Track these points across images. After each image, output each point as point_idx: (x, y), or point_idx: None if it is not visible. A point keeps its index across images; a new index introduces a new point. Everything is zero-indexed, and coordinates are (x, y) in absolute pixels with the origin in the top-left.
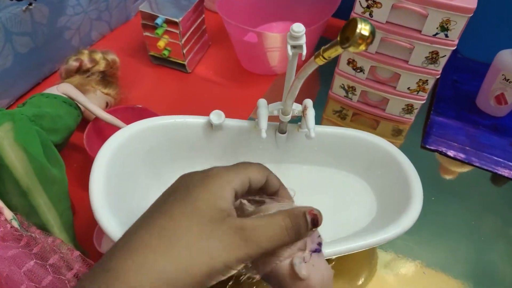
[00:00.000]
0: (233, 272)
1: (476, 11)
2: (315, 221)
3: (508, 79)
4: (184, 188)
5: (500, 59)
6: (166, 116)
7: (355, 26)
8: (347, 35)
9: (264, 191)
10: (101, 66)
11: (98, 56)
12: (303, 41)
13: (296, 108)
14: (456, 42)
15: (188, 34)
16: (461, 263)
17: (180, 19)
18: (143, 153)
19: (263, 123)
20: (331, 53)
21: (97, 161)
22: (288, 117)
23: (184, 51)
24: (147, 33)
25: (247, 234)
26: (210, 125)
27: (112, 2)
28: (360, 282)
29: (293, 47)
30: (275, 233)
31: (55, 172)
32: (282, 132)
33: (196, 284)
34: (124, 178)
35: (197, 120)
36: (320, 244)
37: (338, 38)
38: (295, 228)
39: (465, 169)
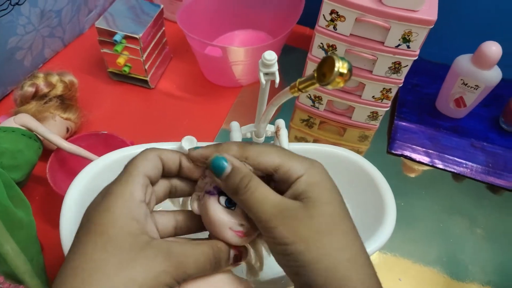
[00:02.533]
0: None
1: (440, 16)
2: (238, 257)
3: (467, 83)
4: (86, 218)
5: (458, 64)
6: (137, 146)
7: (333, 65)
8: (323, 72)
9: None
10: (59, 89)
11: (54, 79)
12: (275, 68)
13: (269, 129)
14: (418, 52)
15: (149, 50)
16: (434, 264)
17: (141, 35)
18: None
19: None
20: (307, 87)
21: (66, 201)
22: (262, 139)
23: (146, 67)
24: (105, 50)
25: (175, 259)
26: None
27: (64, 17)
28: None
29: (266, 74)
30: (199, 262)
31: (21, 215)
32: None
33: None
34: None
35: (169, 147)
36: (215, 188)
37: (315, 74)
38: (217, 261)
39: (430, 170)
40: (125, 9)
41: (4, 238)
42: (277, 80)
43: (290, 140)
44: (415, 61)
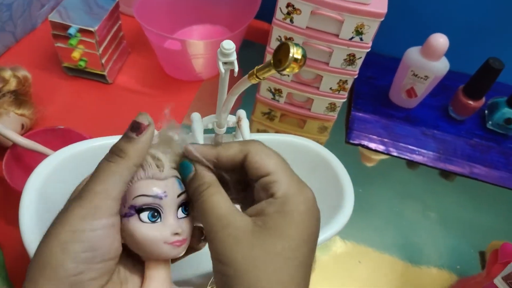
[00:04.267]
0: (95, 228)
1: (387, 11)
2: (136, 124)
3: (417, 74)
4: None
5: (408, 56)
6: (95, 139)
7: (288, 51)
8: (279, 58)
9: None
10: (12, 85)
11: (7, 74)
12: (234, 57)
13: (230, 119)
14: (370, 44)
15: (105, 43)
16: (390, 246)
17: (96, 28)
18: (73, 180)
19: (200, 137)
20: (265, 74)
21: (24, 195)
22: (224, 130)
23: (103, 61)
24: (59, 44)
25: (81, 194)
26: None
27: (15, 11)
28: None
29: (224, 63)
30: (101, 173)
31: None
32: (219, 144)
33: None
34: (56, 210)
35: None
36: (131, 207)
37: (271, 61)
38: (113, 150)
39: (386, 159)
40: (79, 2)
41: None
42: (236, 69)
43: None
44: (369, 54)
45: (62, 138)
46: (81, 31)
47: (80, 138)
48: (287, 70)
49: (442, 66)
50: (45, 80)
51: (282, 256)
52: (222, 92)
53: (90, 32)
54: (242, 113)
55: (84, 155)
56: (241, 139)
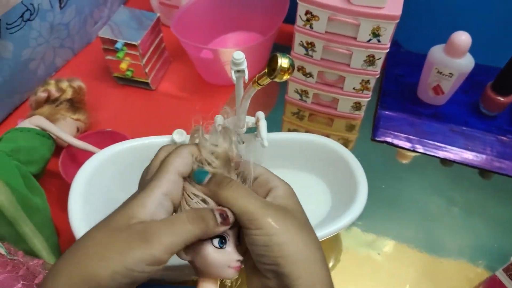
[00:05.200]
0: (146, 272)
1: (414, 8)
2: (225, 217)
3: (441, 72)
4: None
5: (432, 55)
6: (134, 139)
7: (276, 61)
8: (272, 67)
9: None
10: (68, 94)
11: (64, 84)
12: (244, 66)
13: (250, 120)
14: (388, 45)
15: (148, 54)
16: (413, 240)
17: (139, 41)
18: (116, 174)
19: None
20: (263, 81)
21: (73, 186)
22: (244, 130)
23: (146, 71)
24: (109, 57)
25: (147, 235)
26: (174, 143)
27: (72, 29)
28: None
29: (237, 71)
30: (176, 227)
31: (37, 201)
32: (240, 142)
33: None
34: (100, 200)
35: (162, 140)
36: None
37: (266, 70)
38: (199, 219)
39: (414, 156)
40: (126, 18)
41: (23, 220)
42: (246, 76)
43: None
44: (399, 51)
45: (109, 138)
46: (126, 45)
47: (123, 139)
48: (277, 78)
49: (466, 62)
50: (98, 88)
51: (303, 222)
52: (238, 96)
53: (134, 45)
54: (260, 114)
55: (125, 153)
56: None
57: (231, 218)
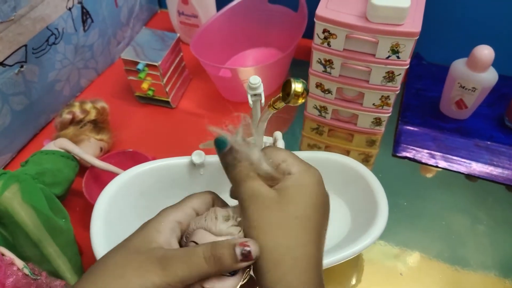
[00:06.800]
0: None
1: (435, 20)
2: (246, 253)
3: (464, 86)
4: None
5: (455, 69)
6: (154, 161)
7: (290, 86)
8: (287, 92)
9: None
10: (92, 115)
11: (88, 106)
12: (260, 90)
13: (268, 141)
14: (408, 61)
15: (168, 74)
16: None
17: (159, 62)
18: (137, 195)
19: None
20: (278, 105)
21: (95, 209)
22: None
23: (167, 90)
24: (131, 77)
25: (165, 263)
26: (193, 164)
27: (96, 50)
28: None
29: (253, 95)
30: (193, 262)
31: (61, 223)
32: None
33: None
34: (121, 220)
35: (181, 161)
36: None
37: (280, 94)
38: (216, 261)
39: (437, 171)
40: (148, 38)
41: (47, 242)
42: (263, 100)
43: (303, 148)
44: (420, 64)
45: (131, 159)
46: (147, 65)
47: (144, 159)
48: (291, 102)
49: (489, 77)
50: (120, 107)
51: (298, 219)
52: (255, 118)
53: (155, 66)
54: (278, 134)
55: (144, 175)
56: None
57: (254, 253)
